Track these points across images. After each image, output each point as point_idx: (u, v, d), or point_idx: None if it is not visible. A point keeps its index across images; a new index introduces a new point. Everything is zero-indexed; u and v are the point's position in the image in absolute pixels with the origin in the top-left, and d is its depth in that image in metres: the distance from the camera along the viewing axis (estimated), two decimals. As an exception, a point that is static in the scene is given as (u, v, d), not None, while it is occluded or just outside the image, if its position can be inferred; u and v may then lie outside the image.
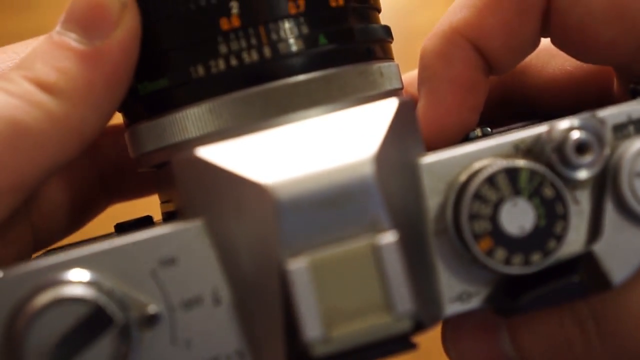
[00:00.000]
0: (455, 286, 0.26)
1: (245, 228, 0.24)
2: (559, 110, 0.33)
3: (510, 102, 0.35)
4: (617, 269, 0.26)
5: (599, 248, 0.26)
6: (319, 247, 0.23)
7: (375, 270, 0.23)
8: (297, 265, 0.23)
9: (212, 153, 0.25)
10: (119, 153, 0.34)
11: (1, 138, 0.24)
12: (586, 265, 0.26)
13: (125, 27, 0.26)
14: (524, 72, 0.35)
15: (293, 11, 0.26)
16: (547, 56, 0.34)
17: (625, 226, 0.26)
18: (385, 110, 0.25)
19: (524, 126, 0.33)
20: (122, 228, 0.31)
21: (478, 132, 0.31)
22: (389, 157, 0.24)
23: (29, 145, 0.25)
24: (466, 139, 0.31)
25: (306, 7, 0.26)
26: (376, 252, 0.23)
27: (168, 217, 0.30)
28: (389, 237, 0.23)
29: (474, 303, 0.26)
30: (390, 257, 0.23)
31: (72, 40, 0.26)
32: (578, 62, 0.33)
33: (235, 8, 0.26)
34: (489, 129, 0.31)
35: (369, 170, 0.23)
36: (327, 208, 0.23)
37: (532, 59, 0.34)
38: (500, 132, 0.32)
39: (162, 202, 0.31)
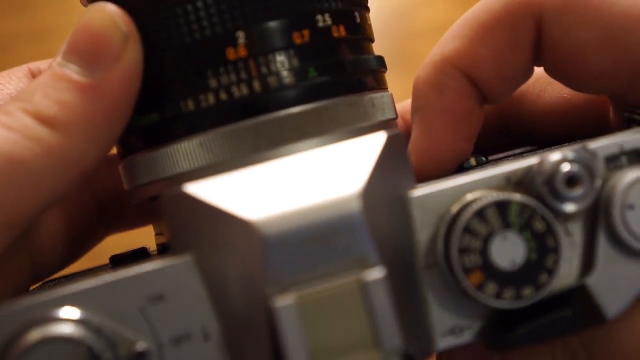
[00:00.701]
0: (447, 320, 0.26)
1: (233, 264, 0.24)
2: (557, 137, 0.33)
3: (508, 129, 0.35)
4: (611, 303, 0.25)
5: (592, 281, 0.25)
6: (307, 284, 0.23)
7: (362, 307, 0.23)
8: (285, 303, 0.23)
9: (199, 189, 0.25)
10: (116, 184, 0.34)
11: (3, 174, 0.24)
12: (579, 299, 0.26)
13: (127, 59, 0.26)
14: (521, 100, 0.34)
15: (284, 44, 0.26)
16: (544, 84, 0.34)
17: (618, 259, 0.26)
18: (373, 144, 0.25)
19: (520, 154, 0.33)
20: (117, 260, 0.31)
21: (472, 161, 0.30)
22: (377, 191, 0.24)
23: (27, 181, 0.25)
24: (460, 168, 0.30)
25: (309, 38, 0.26)
26: (363, 288, 0.23)
27: (162, 248, 0.30)
28: (376, 273, 0.23)
29: (466, 337, 0.26)
30: (377, 293, 0.23)
31: (72, 72, 0.26)
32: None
33: (241, 38, 0.26)
34: (483, 158, 0.31)
35: (355, 206, 0.23)
36: (314, 244, 0.23)
37: (530, 86, 0.34)
38: (495, 161, 0.31)
39: (156, 234, 0.31)
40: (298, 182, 0.24)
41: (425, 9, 0.91)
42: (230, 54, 0.26)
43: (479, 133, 0.32)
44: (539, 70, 0.31)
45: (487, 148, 0.35)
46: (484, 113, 0.33)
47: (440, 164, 0.30)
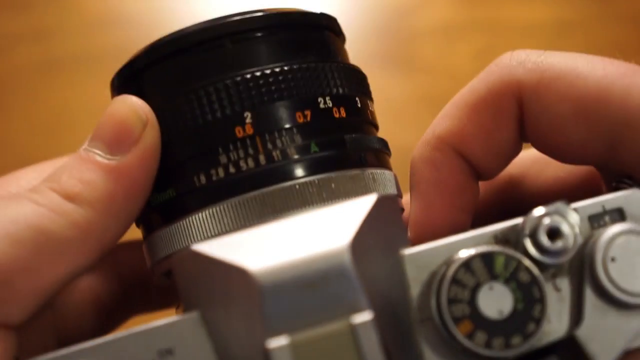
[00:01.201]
0: (443, 374, 0.26)
1: (235, 313, 0.26)
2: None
3: (510, 210, 0.37)
4: (601, 354, 0.26)
5: (581, 333, 0.26)
6: (301, 328, 0.24)
7: (353, 348, 0.24)
8: (278, 344, 0.24)
9: (205, 246, 0.27)
10: (142, 267, 0.36)
11: (27, 243, 0.27)
12: (570, 351, 0.26)
13: (145, 144, 0.29)
14: (520, 181, 0.36)
15: (287, 123, 0.29)
16: (543, 165, 0.36)
17: (605, 310, 0.26)
18: (363, 204, 0.27)
19: None
20: None
21: None
22: (367, 245, 0.26)
23: (52, 250, 0.27)
24: None
25: (310, 118, 0.29)
26: (353, 331, 0.24)
27: None
28: (364, 316, 0.24)
29: None
30: (366, 335, 0.24)
31: (96, 155, 0.29)
32: (569, 168, 0.34)
33: (248, 119, 0.29)
34: None
35: (345, 255, 0.25)
36: (308, 291, 0.25)
37: (529, 168, 0.36)
38: None
39: (176, 309, 0.33)
40: (294, 238, 0.26)
41: (425, 9, 0.91)
42: (239, 132, 0.29)
43: (482, 215, 0.33)
44: (537, 153, 0.33)
45: None
46: (486, 195, 0.35)
47: (437, 235, 0.31)
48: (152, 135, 0.29)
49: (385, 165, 0.32)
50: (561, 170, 0.35)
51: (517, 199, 0.36)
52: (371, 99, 0.33)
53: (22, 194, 0.28)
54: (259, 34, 0.30)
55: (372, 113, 0.33)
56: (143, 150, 0.29)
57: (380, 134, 0.33)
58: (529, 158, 0.36)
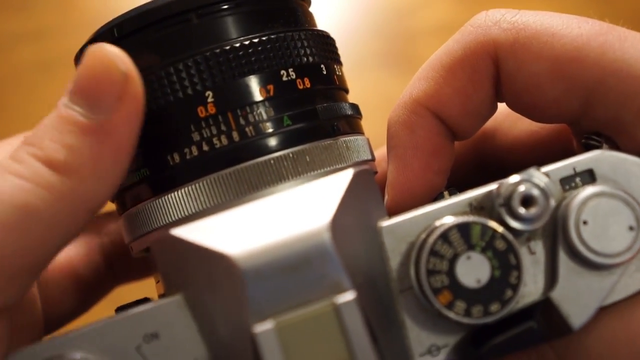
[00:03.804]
0: (424, 341, 0.27)
1: (218, 297, 0.26)
2: (527, 167, 0.35)
3: (484, 164, 0.37)
4: (576, 314, 0.27)
5: (556, 294, 0.27)
6: (285, 311, 0.25)
7: (337, 329, 0.25)
8: (264, 329, 0.25)
9: (184, 231, 0.27)
10: (120, 237, 0.36)
11: (14, 223, 0.26)
12: (546, 312, 0.27)
13: (128, 99, 0.27)
14: (493, 135, 0.37)
15: (260, 97, 0.29)
16: (515, 119, 0.36)
17: (579, 272, 0.27)
18: (340, 181, 0.27)
19: None
20: (123, 310, 0.33)
21: (446, 194, 0.32)
22: (346, 222, 0.26)
23: (41, 228, 0.26)
24: (434, 201, 0.32)
25: (273, 93, 0.29)
26: (336, 311, 0.25)
27: (161, 297, 0.32)
28: (347, 296, 0.25)
29: (442, 355, 0.27)
30: (349, 315, 0.25)
31: (78, 114, 0.27)
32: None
33: (210, 98, 0.28)
34: (456, 191, 0.33)
35: (325, 236, 0.25)
36: (290, 273, 0.25)
37: (501, 122, 0.36)
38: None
39: (156, 283, 0.33)
40: (273, 220, 0.26)
41: (425, 9, 0.91)
42: (201, 112, 0.28)
43: (456, 170, 0.34)
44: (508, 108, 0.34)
45: (465, 184, 0.37)
46: (460, 150, 0.36)
47: (414, 197, 0.32)
48: (134, 88, 0.27)
49: (358, 130, 0.32)
50: (534, 125, 0.35)
51: (490, 152, 0.37)
52: (340, 63, 0.33)
53: (3, 164, 0.27)
54: (225, 7, 0.29)
55: (340, 77, 0.33)
56: (127, 106, 0.27)
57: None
58: (501, 112, 0.36)
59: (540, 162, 0.35)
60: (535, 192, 0.27)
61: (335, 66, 0.32)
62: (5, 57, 0.85)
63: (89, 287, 0.37)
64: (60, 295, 0.35)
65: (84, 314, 0.39)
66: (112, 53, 0.27)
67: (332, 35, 0.33)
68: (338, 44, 0.34)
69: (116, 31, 0.29)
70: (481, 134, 0.36)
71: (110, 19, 0.30)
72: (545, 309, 0.27)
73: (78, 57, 0.31)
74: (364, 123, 0.33)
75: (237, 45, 0.28)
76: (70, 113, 0.27)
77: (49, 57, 0.84)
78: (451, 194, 0.32)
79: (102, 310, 0.39)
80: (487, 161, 0.38)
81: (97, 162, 0.27)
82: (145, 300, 0.34)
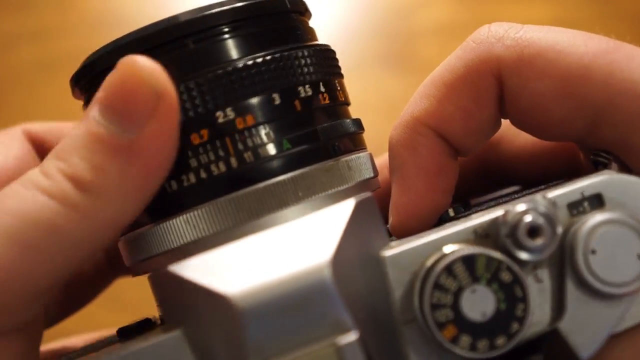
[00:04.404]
0: (429, 373, 0.27)
1: (218, 336, 0.26)
2: (534, 175, 0.35)
3: (490, 172, 0.37)
4: (584, 345, 0.26)
5: (563, 325, 0.26)
6: (285, 352, 0.24)
7: (339, 370, 0.24)
8: None
9: (182, 268, 0.26)
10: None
11: (39, 243, 0.25)
12: (553, 343, 0.27)
13: (161, 117, 0.26)
14: (498, 144, 0.36)
15: (259, 121, 0.28)
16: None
17: (587, 301, 0.27)
18: (341, 213, 0.26)
19: (505, 195, 0.34)
20: (124, 333, 0.32)
21: (451, 211, 0.32)
22: (348, 256, 0.26)
23: (65, 247, 0.26)
24: (440, 220, 0.32)
25: (273, 115, 0.28)
26: (339, 352, 0.24)
27: (162, 320, 0.32)
28: (349, 337, 0.24)
29: None
30: (352, 356, 0.24)
31: (108, 132, 0.26)
32: None
33: (207, 124, 0.27)
34: (461, 208, 0.32)
35: (326, 274, 0.25)
36: (290, 313, 0.25)
37: (505, 131, 0.35)
38: (477, 205, 0.33)
39: (157, 306, 0.33)
40: (273, 255, 0.26)
41: (425, 9, 0.91)
42: (196, 138, 0.27)
43: (459, 178, 0.33)
44: None
45: (470, 192, 0.36)
46: (463, 158, 0.35)
47: (419, 218, 0.31)
48: (168, 106, 0.26)
49: (360, 146, 0.31)
50: None
51: (494, 161, 0.36)
52: (341, 75, 0.32)
53: (32, 179, 0.26)
54: (223, 30, 0.28)
55: (341, 91, 0.32)
56: (159, 125, 0.26)
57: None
58: (505, 121, 0.35)
59: (545, 172, 0.34)
60: (542, 221, 0.26)
61: (336, 81, 0.31)
62: (5, 57, 0.85)
63: (90, 279, 0.36)
64: (62, 288, 0.35)
65: (84, 307, 0.39)
66: (146, 66, 0.26)
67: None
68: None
69: (110, 57, 0.29)
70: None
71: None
72: (553, 339, 0.27)
73: (72, 83, 0.31)
74: (364, 123, 0.32)
75: (232, 68, 0.27)
76: (101, 131, 0.26)
77: (49, 57, 0.84)
78: (456, 211, 0.32)
79: (102, 308, 0.38)
80: (491, 170, 0.37)
81: (125, 183, 0.26)
82: (147, 322, 0.33)
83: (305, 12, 0.32)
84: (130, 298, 0.59)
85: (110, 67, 0.28)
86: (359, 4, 0.87)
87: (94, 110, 0.26)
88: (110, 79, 0.26)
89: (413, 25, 0.83)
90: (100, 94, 0.26)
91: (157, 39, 0.28)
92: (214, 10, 0.28)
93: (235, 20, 0.28)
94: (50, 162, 0.27)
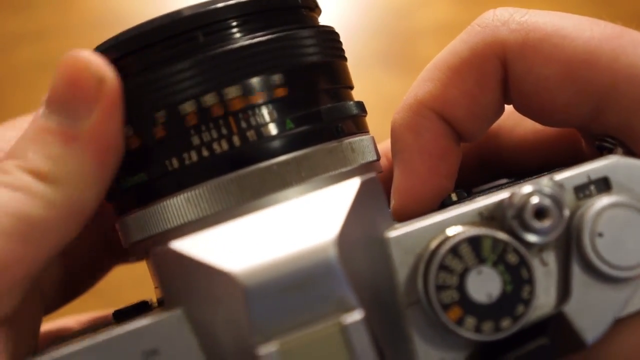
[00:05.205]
0: (432, 355, 0.26)
1: (220, 315, 0.25)
2: (533, 167, 0.34)
3: (488, 163, 0.36)
4: (589, 328, 0.26)
5: (569, 308, 0.26)
6: (289, 331, 0.24)
7: (344, 349, 0.24)
8: (268, 350, 0.24)
9: (184, 245, 0.26)
10: None
11: (13, 233, 0.26)
12: (558, 326, 0.26)
13: (105, 101, 0.26)
14: (497, 134, 0.35)
15: (263, 100, 0.27)
16: (518, 117, 0.35)
17: (592, 285, 0.26)
18: (347, 191, 0.26)
19: (501, 185, 0.34)
20: (119, 315, 0.32)
21: (454, 196, 0.31)
22: (353, 236, 0.25)
23: (37, 235, 0.26)
24: (443, 204, 0.31)
25: (277, 95, 0.28)
26: (343, 331, 0.24)
27: (160, 301, 0.31)
28: (354, 316, 0.24)
29: None
30: (357, 335, 0.24)
31: (56, 124, 0.27)
32: None
33: (214, 100, 0.27)
34: (464, 193, 0.32)
35: (331, 252, 0.24)
36: (294, 292, 0.24)
37: (504, 120, 0.35)
38: (479, 193, 0.32)
39: (155, 287, 0.33)
40: (277, 233, 0.25)
41: (425, 9, 0.91)
42: (209, 112, 0.27)
43: (460, 170, 0.33)
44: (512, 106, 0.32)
45: (469, 183, 0.36)
46: (464, 148, 0.34)
47: (422, 201, 0.31)
48: (110, 89, 0.26)
49: (363, 129, 0.31)
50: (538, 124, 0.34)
51: (494, 151, 0.36)
52: (344, 58, 0.32)
53: None
54: (233, 23, 0.28)
55: (345, 74, 0.31)
56: (104, 110, 0.26)
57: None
58: (505, 110, 0.35)
59: (545, 162, 0.34)
60: (549, 203, 0.26)
61: (340, 63, 0.31)
62: (5, 57, 0.85)
63: (88, 266, 0.36)
64: (60, 276, 0.35)
65: (83, 294, 0.38)
66: (84, 57, 0.27)
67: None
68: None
69: (118, 49, 0.28)
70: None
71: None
72: (558, 323, 0.26)
73: None
74: (365, 123, 0.32)
75: (237, 46, 0.27)
76: (49, 124, 0.27)
77: (49, 57, 0.83)
78: (459, 196, 0.32)
79: (101, 304, 0.38)
80: (492, 159, 0.36)
81: (83, 170, 0.27)
82: (144, 304, 0.33)
83: (315, 8, 0.31)
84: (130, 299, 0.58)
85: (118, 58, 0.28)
86: (359, 4, 0.87)
87: (40, 109, 0.27)
88: (53, 77, 0.27)
89: (413, 25, 0.84)
90: (46, 94, 0.27)
91: (169, 31, 0.27)
92: (223, 4, 0.28)
93: (245, 14, 0.28)
94: (5, 162, 0.27)
